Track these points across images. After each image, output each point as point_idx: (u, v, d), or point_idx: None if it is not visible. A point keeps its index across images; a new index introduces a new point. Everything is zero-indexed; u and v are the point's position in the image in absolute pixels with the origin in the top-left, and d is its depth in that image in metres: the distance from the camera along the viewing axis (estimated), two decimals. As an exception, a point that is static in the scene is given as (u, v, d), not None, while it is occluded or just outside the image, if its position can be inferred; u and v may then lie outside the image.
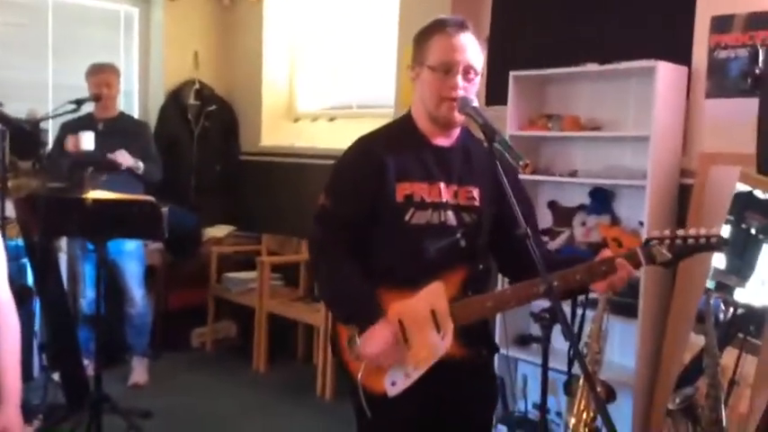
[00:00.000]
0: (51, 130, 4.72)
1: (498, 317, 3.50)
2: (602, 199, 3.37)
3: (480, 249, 1.90)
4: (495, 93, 3.78)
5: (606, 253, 1.79)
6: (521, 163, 1.69)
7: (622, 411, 3.10)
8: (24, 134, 4.26)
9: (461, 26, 1.82)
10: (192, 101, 5.40)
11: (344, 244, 1.86)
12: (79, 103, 3.81)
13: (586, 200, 3.45)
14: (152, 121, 5.38)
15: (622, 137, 3.29)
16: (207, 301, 5.04)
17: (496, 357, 3.45)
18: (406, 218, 1.83)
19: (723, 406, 2.92)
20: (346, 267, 1.85)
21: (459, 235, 1.85)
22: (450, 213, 1.86)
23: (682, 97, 3.12)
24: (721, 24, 3.04)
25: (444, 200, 1.85)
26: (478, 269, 1.88)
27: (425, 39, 1.84)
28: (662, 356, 3.13)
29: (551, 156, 3.62)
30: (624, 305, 3.15)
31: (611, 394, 2.92)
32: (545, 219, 3.62)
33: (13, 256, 3.64)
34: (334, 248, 1.86)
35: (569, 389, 3.00)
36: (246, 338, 4.84)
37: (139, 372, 4.27)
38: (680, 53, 3.12)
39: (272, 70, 5.47)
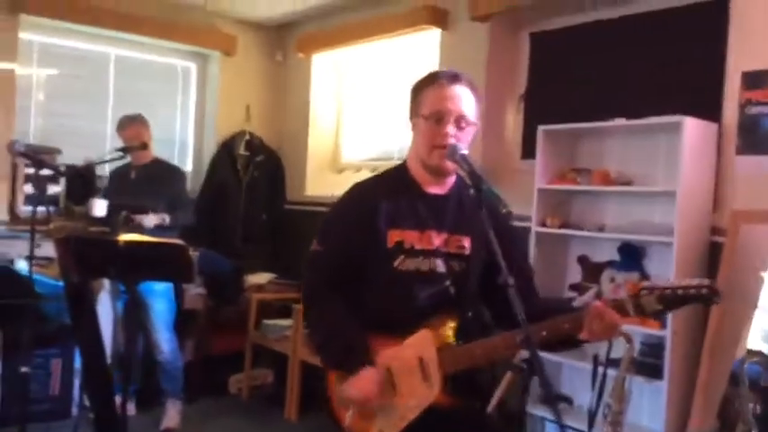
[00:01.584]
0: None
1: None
2: (631, 255, 3.30)
3: (469, 297, 1.89)
4: (533, 147, 3.79)
5: (596, 304, 1.76)
6: (505, 210, 1.70)
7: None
8: (78, 180, 4.52)
9: (454, 78, 1.87)
10: (242, 151, 5.58)
11: (334, 289, 1.89)
12: (124, 151, 4.00)
13: (616, 256, 3.39)
14: (203, 169, 5.59)
15: (651, 192, 3.24)
16: (245, 347, 5.11)
17: (527, 416, 3.40)
18: (396, 264, 1.85)
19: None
20: (335, 312, 1.88)
21: (448, 282, 1.86)
22: (439, 261, 1.87)
23: (711, 153, 3.07)
24: (753, 80, 2.99)
25: (435, 247, 1.87)
26: (468, 317, 1.87)
27: (420, 90, 1.91)
28: (690, 419, 2.99)
29: (581, 210, 3.58)
30: (651, 365, 3.05)
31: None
32: (575, 274, 3.56)
33: (55, 296, 3.81)
34: (323, 293, 1.90)
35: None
36: (282, 386, 4.86)
37: (172, 415, 4.33)
38: (709, 109, 3.09)
39: (319, 122, 5.63)
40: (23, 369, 2.55)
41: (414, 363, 1.79)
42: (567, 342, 1.79)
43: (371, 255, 1.87)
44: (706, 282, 1.65)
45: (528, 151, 3.93)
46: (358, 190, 1.98)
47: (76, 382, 4.19)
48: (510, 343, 1.74)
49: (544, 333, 1.70)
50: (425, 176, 1.92)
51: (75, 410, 4.00)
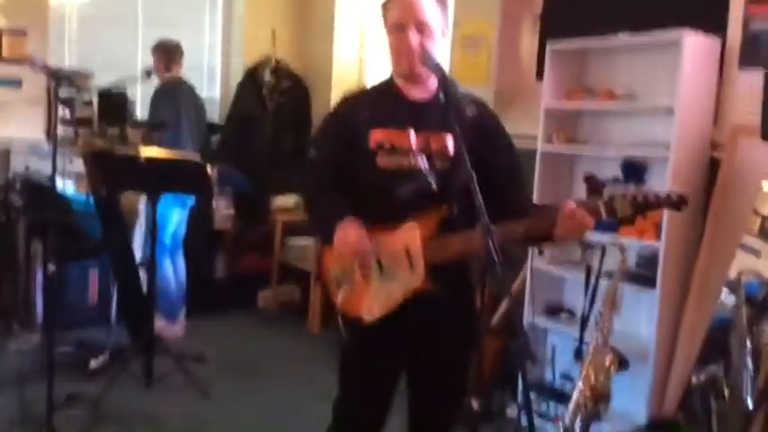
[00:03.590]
0: (140, 98, 5.18)
1: (527, 286, 3.58)
2: (633, 171, 3.36)
3: (455, 194, 1.99)
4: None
5: (569, 203, 1.86)
6: (470, 114, 1.81)
7: (639, 382, 3.11)
8: (110, 102, 4.73)
9: None
10: (267, 77, 5.69)
11: (327, 185, 2.06)
12: (149, 73, 4.19)
13: (619, 172, 3.44)
14: (230, 96, 5.74)
15: (652, 108, 3.26)
16: (272, 265, 5.35)
17: (525, 325, 3.55)
18: (377, 161, 1.98)
19: (750, 386, 2.89)
20: (326, 197, 2.05)
21: (430, 179, 1.98)
22: (420, 159, 1.99)
23: (713, 68, 3.07)
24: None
25: (416, 145, 1.98)
26: (453, 213, 1.99)
27: (385, 6, 2.01)
28: (681, 327, 3.10)
29: (587, 129, 3.63)
30: (645, 276, 3.15)
31: (622, 363, 2.94)
32: (581, 192, 3.64)
33: (87, 212, 4.06)
34: (319, 188, 2.08)
35: (580, 355, 3.05)
36: (308, 302, 5.11)
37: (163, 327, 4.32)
38: (713, 23, 3.06)
39: (343, 46, 5.69)
40: (50, 268, 2.76)
41: (400, 251, 1.95)
42: (542, 239, 1.92)
43: (356, 156, 2.00)
44: (676, 191, 1.81)
45: (543, 72, 3.95)
46: (344, 100, 2.14)
47: (114, 294, 4.47)
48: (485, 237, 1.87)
49: (521, 230, 1.84)
50: (404, 84, 2.03)
51: (113, 317, 4.27)
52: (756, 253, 2.98)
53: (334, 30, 5.64)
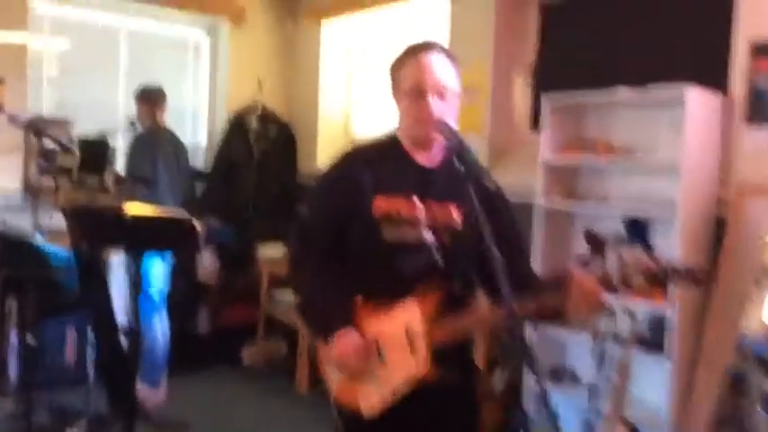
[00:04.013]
0: (122, 147, 5.02)
1: (535, 346, 3.44)
2: (636, 229, 3.27)
3: (460, 270, 1.88)
4: (540, 119, 3.74)
5: (579, 275, 1.75)
6: (490, 186, 1.70)
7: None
8: (91, 151, 4.56)
9: (429, 47, 1.85)
10: (254, 123, 5.58)
11: (320, 256, 1.89)
12: (133, 123, 4.04)
13: (621, 229, 3.35)
14: (216, 142, 5.61)
15: (654, 164, 3.19)
16: (258, 318, 5.17)
17: (525, 390, 3.41)
18: (381, 233, 1.84)
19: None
20: (319, 277, 1.88)
21: (435, 254, 1.85)
22: (426, 231, 1.86)
23: (716, 125, 3.01)
24: (762, 50, 2.92)
25: (420, 217, 1.86)
26: (457, 290, 1.86)
27: (398, 66, 1.89)
28: (693, 394, 2.98)
29: (587, 183, 3.55)
30: (653, 340, 3.04)
31: (633, 432, 2.81)
32: (582, 248, 3.54)
33: (65, 266, 3.87)
34: (308, 260, 1.90)
35: (590, 427, 2.92)
36: (295, 357, 4.91)
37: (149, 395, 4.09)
38: (716, 79, 3.01)
39: (330, 94, 5.60)
40: (29, 341, 2.58)
41: (400, 334, 1.80)
42: (554, 315, 1.79)
43: (357, 222, 1.86)
44: (692, 267, 1.69)
45: (537, 123, 3.89)
46: (345, 158, 1.97)
47: (90, 353, 4.26)
48: (496, 315, 1.73)
49: (532, 306, 1.70)
50: (413, 147, 1.91)
51: (90, 378, 4.05)
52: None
53: (320, 77, 5.57)
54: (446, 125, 1.79)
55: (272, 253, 5.36)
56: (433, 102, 1.80)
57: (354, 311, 1.83)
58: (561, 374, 3.52)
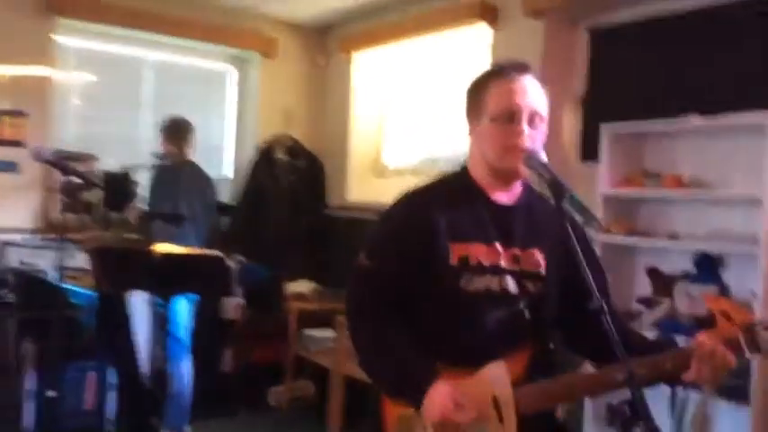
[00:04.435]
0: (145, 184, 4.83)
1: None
2: (708, 266, 3.01)
3: (549, 324, 1.64)
4: (591, 149, 3.52)
5: (702, 337, 1.50)
6: (595, 225, 1.45)
7: None
8: (115, 187, 4.38)
9: (522, 68, 1.63)
10: (281, 156, 5.40)
11: (388, 308, 1.65)
12: (161, 158, 3.85)
13: (690, 267, 3.10)
14: (243, 175, 5.42)
15: (730, 198, 2.94)
16: (286, 358, 4.92)
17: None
18: (462, 283, 1.61)
19: None
20: (391, 332, 1.63)
21: (522, 305, 1.61)
22: (510, 280, 1.62)
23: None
24: None
25: (505, 263, 1.62)
26: (547, 348, 1.62)
27: (482, 88, 1.65)
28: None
29: (650, 218, 3.30)
30: (734, 388, 2.76)
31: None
32: (643, 286, 3.28)
33: (87, 307, 3.66)
34: (376, 312, 1.65)
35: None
36: (324, 399, 4.66)
37: None
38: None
39: (361, 126, 5.42)
40: (49, 393, 2.36)
41: (486, 401, 1.54)
42: (664, 381, 1.54)
43: (431, 273, 1.62)
44: None
45: (587, 153, 3.67)
46: (412, 199, 1.72)
47: (111, 398, 4.02)
48: (606, 381, 1.47)
49: (642, 372, 1.44)
50: (491, 183, 1.67)
51: (109, 426, 3.81)
52: None
53: (351, 109, 5.38)
54: (538, 158, 1.56)
55: (300, 289, 5.13)
56: (525, 128, 1.58)
57: (437, 368, 1.58)
58: (632, 425, 3.23)
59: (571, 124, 3.92)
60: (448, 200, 1.67)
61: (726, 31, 3.12)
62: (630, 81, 3.51)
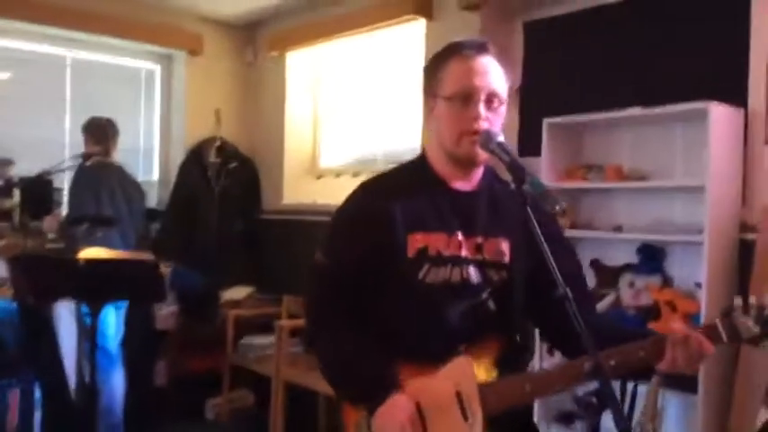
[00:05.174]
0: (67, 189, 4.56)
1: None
2: (651, 257, 3.02)
3: (516, 315, 1.56)
4: (530, 143, 3.50)
5: (676, 326, 1.45)
6: (557, 208, 1.38)
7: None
8: (33, 192, 4.12)
9: (481, 47, 1.55)
10: (212, 158, 5.20)
11: (346, 307, 1.56)
12: (86, 157, 3.63)
13: (633, 258, 3.10)
14: (171, 179, 5.21)
15: (672, 187, 2.96)
16: (223, 368, 4.73)
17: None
18: (420, 275, 1.52)
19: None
20: (349, 335, 1.54)
21: (485, 296, 1.53)
22: (473, 269, 1.54)
23: (738, 143, 2.79)
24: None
25: (467, 253, 1.54)
26: (515, 341, 1.54)
27: (439, 65, 1.56)
28: (728, 438, 2.71)
29: (592, 210, 3.30)
30: (682, 378, 2.75)
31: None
32: (588, 279, 3.27)
33: (7, 320, 3.41)
34: (333, 312, 1.57)
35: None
36: (265, 409, 4.49)
37: None
38: (732, 94, 2.81)
39: (295, 126, 5.28)
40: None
41: (450, 398, 1.46)
42: (637, 371, 1.48)
43: (389, 267, 1.54)
44: None
45: (527, 148, 3.65)
46: (367, 190, 1.64)
47: (37, 416, 3.76)
48: (573, 374, 1.40)
49: (613, 362, 1.38)
50: (450, 170, 1.59)
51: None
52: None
53: (285, 109, 5.23)
54: (497, 141, 1.48)
55: (237, 295, 4.95)
56: (482, 111, 1.50)
57: (398, 373, 1.49)
58: (570, 418, 3.21)
59: (509, 119, 3.89)
60: (405, 189, 1.59)
61: (663, 20, 3.14)
62: (568, 74, 3.50)
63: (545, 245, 1.36)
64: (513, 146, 3.84)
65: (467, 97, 1.51)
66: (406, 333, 1.54)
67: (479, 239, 1.57)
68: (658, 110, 2.83)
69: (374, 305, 1.57)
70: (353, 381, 1.52)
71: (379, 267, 1.54)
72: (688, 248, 2.86)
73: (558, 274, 1.33)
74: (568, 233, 3.16)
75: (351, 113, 5.06)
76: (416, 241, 1.53)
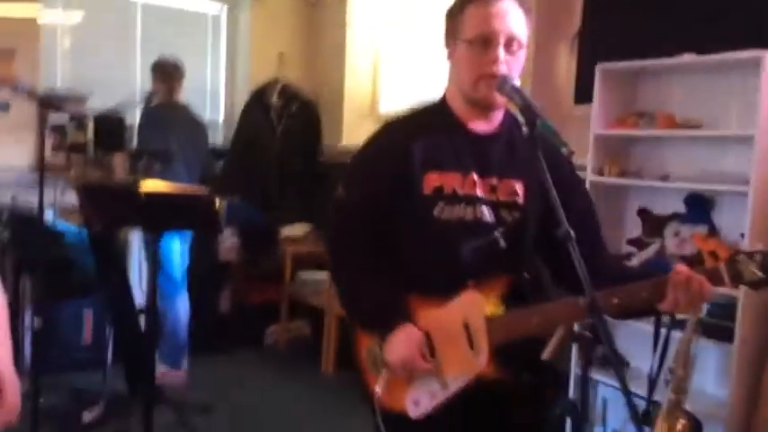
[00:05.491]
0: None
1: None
2: (699, 207, 3.00)
3: (525, 254, 1.63)
4: (586, 90, 3.46)
5: (681, 267, 1.49)
6: (564, 150, 1.43)
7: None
8: (107, 128, 4.35)
9: None
10: (275, 100, 5.33)
11: (364, 239, 1.65)
12: (150, 97, 3.82)
13: (681, 207, 3.08)
14: (235, 120, 5.37)
15: (723, 137, 2.90)
16: (281, 299, 4.96)
17: (571, 379, 3.16)
18: (435, 213, 1.59)
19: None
20: (366, 265, 1.64)
21: (497, 234, 1.59)
22: (486, 209, 1.60)
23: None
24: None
25: (481, 193, 1.60)
26: (523, 277, 1.61)
27: (460, 10, 1.60)
28: (762, 387, 2.72)
29: (642, 159, 3.27)
30: (719, 327, 2.77)
31: (696, 427, 2.56)
32: (635, 227, 3.27)
33: (80, 244, 3.67)
34: (352, 244, 1.66)
35: (647, 418, 2.66)
36: (319, 339, 4.71)
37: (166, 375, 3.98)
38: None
39: (356, 69, 5.34)
40: (36, 324, 2.38)
41: (458, 329, 1.55)
42: (641, 311, 1.54)
43: (405, 203, 1.61)
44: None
45: (582, 95, 3.61)
46: (388, 129, 1.71)
47: (110, 334, 4.07)
48: (573, 310, 1.46)
49: (616, 300, 1.44)
50: (469, 112, 1.64)
51: (108, 360, 3.86)
52: None
53: (346, 53, 5.29)
54: (512, 85, 1.52)
55: (295, 232, 5.14)
56: (501, 54, 1.54)
57: (409, 304, 1.59)
58: (608, 360, 3.26)
59: (567, 66, 3.85)
60: (425, 129, 1.65)
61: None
62: (626, 19, 3.42)
63: (551, 183, 1.40)
64: (569, 93, 3.81)
65: (486, 41, 1.54)
66: (420, 267, 1.62)
67: (494, 180, 1.62)
68: (713, 57, 2.76)
69: (390, 239, 1.65)
70: (367, 308, 1.62)
71: (395, 202, 1.62)
72: (736, 199, 2.82)
73: (562, 214, 1.37)
74: (617, 181, 3.18)
75: (412, 57, 5.07)
76: (432, 180, 1.60)
